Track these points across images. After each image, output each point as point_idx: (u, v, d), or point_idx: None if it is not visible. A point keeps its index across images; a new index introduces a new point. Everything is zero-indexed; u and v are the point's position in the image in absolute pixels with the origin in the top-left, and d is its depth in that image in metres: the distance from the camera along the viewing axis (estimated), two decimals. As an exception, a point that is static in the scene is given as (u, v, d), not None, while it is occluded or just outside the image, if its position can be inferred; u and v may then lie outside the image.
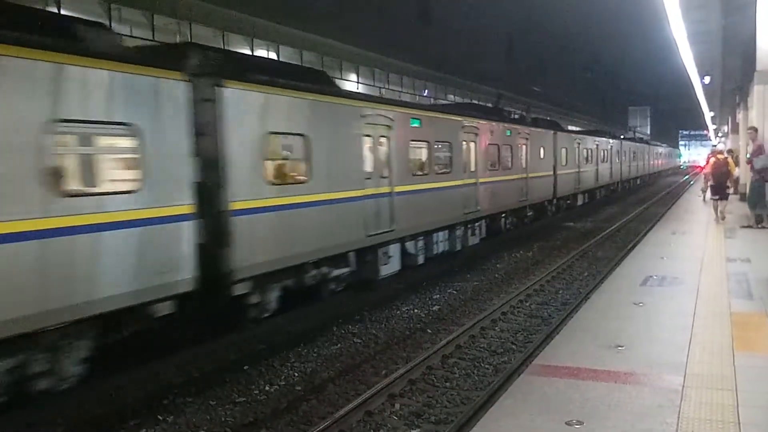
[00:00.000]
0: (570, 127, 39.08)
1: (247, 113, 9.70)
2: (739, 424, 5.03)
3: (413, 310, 12.93)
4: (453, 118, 16.99)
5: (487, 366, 9.57)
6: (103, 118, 7.67)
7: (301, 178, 10.91)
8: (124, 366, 9.34)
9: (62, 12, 16.15)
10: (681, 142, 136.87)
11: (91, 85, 7.47)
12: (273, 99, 10.31)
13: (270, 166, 10.28)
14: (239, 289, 9.54)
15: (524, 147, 21.93)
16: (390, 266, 13.81)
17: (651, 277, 10.83)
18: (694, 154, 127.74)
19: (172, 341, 9.57)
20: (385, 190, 13.24)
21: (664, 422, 5.08)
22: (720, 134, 60.18)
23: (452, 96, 39.30)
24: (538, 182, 23.35)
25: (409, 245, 14.65)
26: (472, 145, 17.60)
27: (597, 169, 33.83)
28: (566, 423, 5.08)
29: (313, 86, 11.36)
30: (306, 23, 25.06)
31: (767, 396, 5.65)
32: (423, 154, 15.21)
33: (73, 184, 7.49)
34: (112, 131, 7.93)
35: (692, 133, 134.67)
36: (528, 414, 5.33)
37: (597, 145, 34.07)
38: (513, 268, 17.30)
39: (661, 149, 72.88)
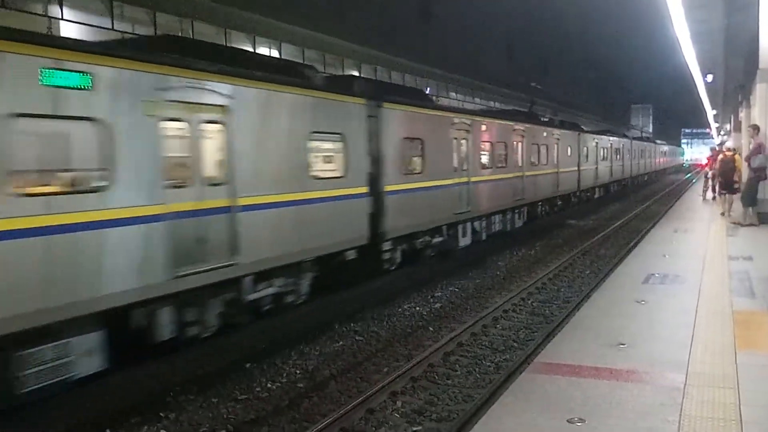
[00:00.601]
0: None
1: (392, 125, 13.56)
2: (741, 422, 5.03)
3: (415, 308, 12.94)
4: (507, 123, 20.67)
5: (488, 364, 9.58)
6: (331, 130, 11.74)
7: (418, 169, 14.79)
8: (126, 364, 9.37)
9: (65, 11, 16.16)
10: (683, 141, 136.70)
11: (324, 109, 11.48)
12: (406, 114, 14.28)
13: (403, 161, 14.09)
14: (385, 246, 13.43)
15: (556, 146, 25.51)
16: (465, 240, 17.39)
17: (653, 275, 10.83)
18: (696, 153, 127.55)
19: (173, 342, 9.59)
20: (464, 180, 16.78)
21: (666, 420, 5.08)
22: (722, 132, 60.13)
23: (453, 93, 39.26)
24: (566, 176, 27.11)
25: (477, 224, 18.15)
26: (520, 144, 21.21)
27: (611, 166, 37.58)
28: (568, 421, 5.08)
29: (426, 103, 16.23)
30: (308, 21, 25.07)
31: (769, 394, 5.66)
32: (488, 152, 18.70)
33: (317, 172, 11.35)
34: (333, 138, 11.87)
35: (694, 131, 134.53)
36: (530, 412, 5.33)
37: (611, 144, 37.77)
38: (515, 266, 17.30)
39: (666, 148, 76.72)
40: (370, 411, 7.71)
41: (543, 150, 23.77)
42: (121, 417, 7.78)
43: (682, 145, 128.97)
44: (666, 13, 17.33)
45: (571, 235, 23.24)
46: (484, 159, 18.38)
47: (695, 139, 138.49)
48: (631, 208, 32.64)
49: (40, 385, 7.01)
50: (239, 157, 9.45)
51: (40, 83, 6.84)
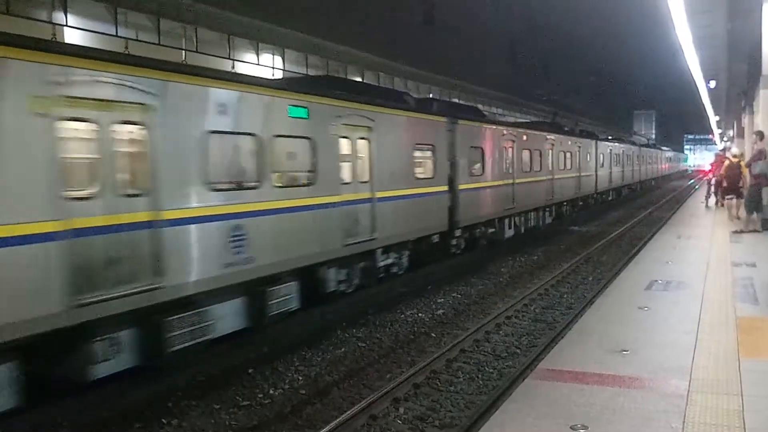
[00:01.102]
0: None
1: (463, 137, 16.96)
2: (744, 429, 5.01)
3: (418, 314, 12.93)
4: (542, 133, 24.30)
5: (491, 370, 9.56)
6: (427, 142, 15.32)
7: (480, 172, 18.05)
8: (129, 369, 9.36)
9: (69, 18, 16.20)
10: (686, 146, 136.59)
11: (421, 126, 15.18)
12: (472, 128, 17.87)
13: (470, 165, 17.45)
14: (456, 233, 16.82)
15: (578, 153, 29.07)
16: (509, 232, 20.76)
17: (656, 281, 10.81)
18: (699, 159, 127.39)
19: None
20: (510, 181, 20.15)
21: (670, 427, 5.06)
22: (725, 138, 60.08)
23: (456, 99, 39.21)
24: (585, 179, 30.63)
25: (517, 219, 21.38)
26: (550, 152, 24.60)
27: (623, 171, 41.50)
28: (571, 427, 5.07)
29: (483, 119, 19.99)
30: (311, 27, 25.11)
31: (773, 401, 5.63)
32: (527, 158, 22.02)
33: (417, 174, 14.88)
34: (426, 148, 15.33)
35: (697, 137, 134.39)
36: (532, 418, 5.31)
37: (622, 150, 41.80)
38: (517, 272, 17.28)
39: (671, 154, 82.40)
40: (373, 417, 7.70)
41: (568, 156, 27.30)
42: (123, 422, 7.78)
43: (685, 151, 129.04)
44: (669, 18, 17.32)
45: (573, 242, 23.21)
46: (525, 164, 21.81)
47: (698, 145, 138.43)
48: (634, 215, 32.59)
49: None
50: (378, 162, 13.03)
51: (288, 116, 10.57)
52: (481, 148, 18.23)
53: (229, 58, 20.96)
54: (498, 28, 42.16)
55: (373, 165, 12.85)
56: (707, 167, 53.32)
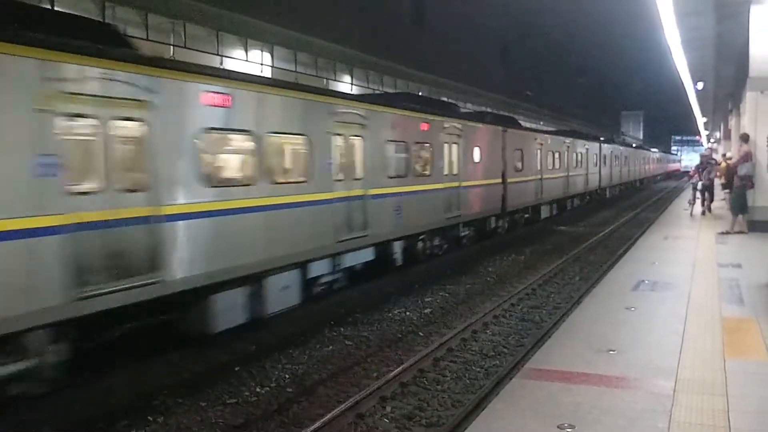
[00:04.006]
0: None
1: (511, 140, 21.57)
2: (729, 429, 5.05)
3: (405, 313, 12.92)
4: (561, 138, 30.00)
5: (478, 369, 9.56)
6: (489, 145, 19.56)
7: (521, 168, 22.76)
8: (114, 366, 9.31)
9: (57, 9, 16.07)
10: (673, 148, 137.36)
11: (489, 133, 19.84)
12: (516, 133, 22.75)
13: (514, 163, 22.03)
14: (505, 216, 21.60)
15: (586, 154, 34.02)
16: (543, 215, 26.57)
17: (643, 281, 10.86)
18: (686, 160, 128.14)
19: (161, 342, 9.54)
20: (539, 177, 24.96)
21: (656, 427, 5.09)
22: (712, 140, 60.42)
23: (445, 99, 39.25)
24: (592, 177, 35.81)
25: (544, 208, 26.67)
26: (566, 153, 29.59)
27: (628, 169, 48.73)
28: (558, 427, 5.08)
29: (519, 126, 25.06)
30: (300, 24, 25.07)
31: (758, 401, 5.67)
32: (551, 158, 26.89)
33: (486, 169, 19.46)
34: (490, 150, 19.63)
35: (684, 138, 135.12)
36: (519, 417, 5.32)
37: (621, 151, 47.15)
38: (505, 272, 17.31)
39: (666, 156, 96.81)
40: (360, 416, 7.69)
41: (579, 157, 32.22)
42: (109, 419, 7.73)
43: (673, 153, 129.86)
44: (658, 20, 17.41)
45: (561, 241, 23.27)
46: (549, 163, 26.48)
47: (685, 146, 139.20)
48: (621, 215, 32.73)
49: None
50: (463, 160, 17.72)
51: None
52: (521, 150, 22.81)
53: (217, 54, 20.87)
54: (489, 29, 42.24)
55: (460, 162, 17.58)
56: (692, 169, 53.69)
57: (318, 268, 11.70)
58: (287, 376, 9.33)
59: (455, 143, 17.29)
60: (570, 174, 30.01)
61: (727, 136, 34.29)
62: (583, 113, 76.85)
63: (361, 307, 12.97)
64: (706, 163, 22.93)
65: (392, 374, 8.79)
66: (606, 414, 5.34)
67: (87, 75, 7.44)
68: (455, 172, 17.22)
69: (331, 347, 10.68)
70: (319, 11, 26.31)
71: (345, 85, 28.95)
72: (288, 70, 24.17)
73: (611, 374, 6.29)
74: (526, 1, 41.51)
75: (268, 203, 10.10)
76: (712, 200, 22.65)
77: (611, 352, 6.96)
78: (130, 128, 8.03)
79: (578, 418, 5.25)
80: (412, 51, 34.15)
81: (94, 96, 7.52)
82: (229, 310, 9.62)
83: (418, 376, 9.10)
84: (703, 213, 22.37)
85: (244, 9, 22.24)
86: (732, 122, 29.69)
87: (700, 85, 32.11)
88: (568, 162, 29.58)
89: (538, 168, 24.82)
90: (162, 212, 8.28)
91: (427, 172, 15.82)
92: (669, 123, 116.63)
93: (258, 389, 8.84)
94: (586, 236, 24.04)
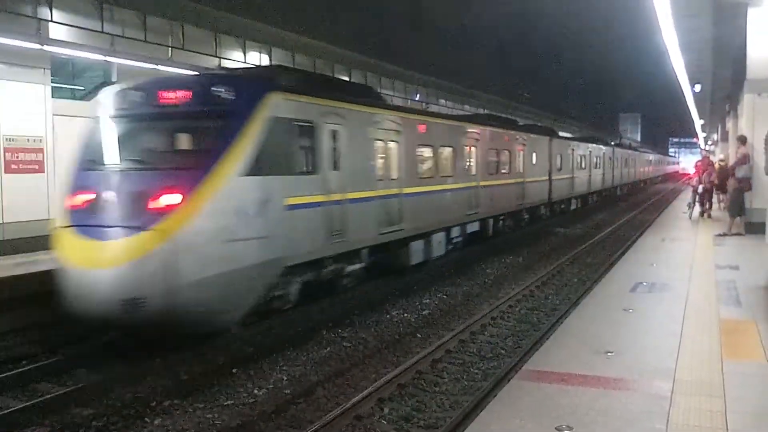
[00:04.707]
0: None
1: (555, 147, 27.71)
2: (727, 430, 5.05)
3: (403, 314, 12.91)
4: (585, 143, 36.24)
5: (476, 371, 9.56)
6: (542, 151, 26.19)
7: (560, 168, 28.58)
8: (112, 367, 9.30)
9: (54, 12, 16.07)
10: (671, 150, 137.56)
11: (540, 142, 26.09)
12: (557, 141, 28.53)
13: (555, 164, 27.65)
14: (551, 206, 27.90)
15: (602, 156, 39.77)
16: (572, 206, 32.82)
17: (640, 283, 10.87)
18: (683, 162, 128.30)
19: (158, 342, 9.54)
20: (570, 176, 30.93)
21: (653, 428, 5.09)
22: (709, 142, 60.47)
23: (443, 100, 39.31)
24: (608, 176, 41.90)
25: (574, 201, 33.00)
26: (589, 155, 35.88)
27: (634, 170, 55.38)
28: (556, 428, 5.08)
29: (560, 135, 31.51)
30: (298, 26, 25.08)
31: (755, 403, 5.67)
32: (578, 160, 32.90)
33: (538, 169, 25.71)
34: (542, 156, 26.19)
35: (682, 140, 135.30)
36: (518, 419, 5.32)
37: (629, 154, 53.23)
38: (503, 273, 17.31)
39: (668, 158, 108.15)
40: (358, 418, 7.68)
41: (598, 160, 38.41)
42: (106, 420, 7.72)
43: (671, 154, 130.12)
44: (655, 22, 17.42)
45: (558, 243, 23.29)
46: (578, 164, 32.70)
47: (683, 149, 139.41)
48: (619, 217, 32.76)
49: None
50: (526, 163, 23.39)
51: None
52: (560, 155, 28.88)
53: (216, 56, 20.86)
54: (487, 31, 42.32)
55: (525, 163, 23.32)
56: (691, 171, 54.00)
57: (454, 232, 17.60)
58: (285, 378, 9.31)
59: (521, 150, 23.08)
60: (591, 173, 36.34)
61: (725, 138, 34.34)
62: (582, 115, 76.95)
63: (359, 308, 12.96)
64: (707, 165, 22.88)
65: (390, 376, 8.78)
66: (604, 415, 5.34)
67: (383, 119, 13.83)
68: (521, 171, 23.08)
69: (329, 349, 10.67)
70: (318, 13, 26.33)
71: (343, 86, 28.93)
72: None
73: (609, 376, 6.29)
74: (524, 3, 41.54)
75: (438, 189, 16.35)
76: (710, 206, 22.43)
77: (609, 354, 6.96)
78: (393, 146, 14.20)
79: (576, 419, 5.25)
80: (411, 53, 34.17)
81: (385, 129, 13.83)
82: (416, 252, 15.35)
83: (416, 378, 9.09)
84: (702, 215, 22.18)
85: (242, 10, 22.25)
86: (729, 124, 29.75)
87: (697, 87, 32.15)
88: (590, 163, 36.04)
89: (571, 168, 31.09)
90: (403, 192, 14.44)
91: (505, 171, 21.42)
92: (667, 125, 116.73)
93: (255, 391, 8.82)
94: (584, 238, 24.06)
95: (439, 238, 16.43)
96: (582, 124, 73.32)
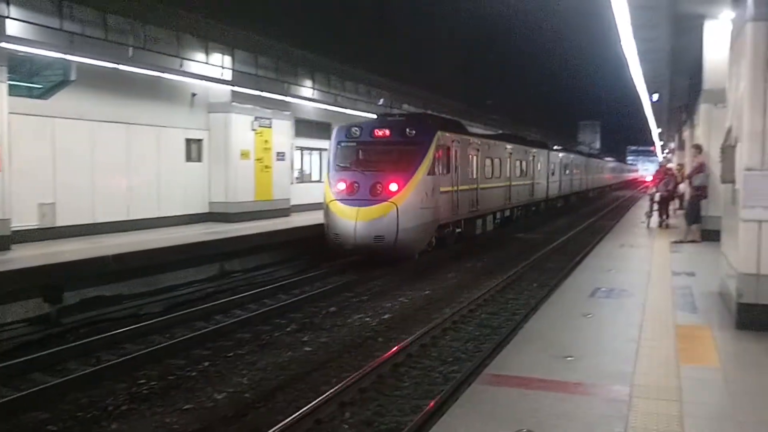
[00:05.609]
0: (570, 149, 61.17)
1: (552, 158, 38.42)
2: (684, 434, 5.13)
3: (365, 318, 12.89)
4: (578, 155, 49.97)
5: (437, 375, 9.57)
6: (542, 162, 35.83)
7: (557, 174, 39.94)
8: (66, 371, 9.12)
9: (12, 10, 15.71)
10: (629, 158, 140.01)
11: (543, 154, 36.03)
12: (553, 153, 39.49)
13: (554, 172, 38.72)
14: (552, 202, 39.55)
15: (585, 165, 51.29)
16: (569, 202, 44.67)
17: (599, 288, 11.01)
18: (641, 170, 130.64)
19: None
20: (571, 180, 43.92)
21: (612, 432, 5.14)
22: (666, 151, 61.62)
23: (406, 105, 39.44)
24: (580, 181, 49.89)
25: (572, 197, 45.23)
26: (582, 166, 47.94)
27: (602, 176, 64.60)
28: (516, 432, 5.11)
29: (556, 148, 42.87)
30: (262, 27, 24.88)
31: (711, 407, 5.79)
32: (579, 171, 47.31)
33: (540, 175, 35.69)
34: (542, 164, 36.05)
35: (640, 148, 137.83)
36: (479, 423, 5.34)
37: (600, 163, 63.88)
38: (464, 278, 17.39)
39: (629, 166, 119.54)
40: (318, 422, 7.64)
41: (594, 169, 48.59)
42: (61, 424, 7.56)
43: (628, 162, 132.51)
44: (615, 32, 17.69)
45: (519, 248, 23.48)
46: (562, 171, 41.31)
47: (640, 156, 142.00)
48: (578, 223, 33.15)
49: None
50: (536, 169, 33.52)
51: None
52: (555, 163, 38.46)
53: (177, 57, 20.60)
54: (451, 37, 42.66)
55: (535, 169, 32.29)
56: (649, 179, 55.67)
57: (498, 215, 25.97)
58: (245, 382, 9.23)
59: (531, 160, 31.71)
60: (572, 178, 45.75)
61: (681, 147, 35.00)
62: (543, 122, 77.90)
63: (321, 312, 12.90)
64: (664, 174, 23.13)
65: (351, 380, 8.75)
66: (564, 419, 5.38)
67: (474, 141, 22.70)
68: (532, 174, 31.71)
69: (290, 353, 10.60)
70: (280, 15, 26.18)
71: (306, 89, 28.80)
72: (249, 73, 23.94)
73: (569, 380, 6.35)
74: (488, 11, 42.10)
75: (493, 186, 24.76)
76: (668, 215, 22.40)
77: (569, 359, 7.04)
78: (475, 158, 22.29)
79: (537, 423, 5.29)
80: (375, 57, 34.19)
81: (474, 148, 22.41)
82: (479, 227, 23.44)
83: (378, 382, 9.08)
84: (660, 225, 21.96)
85: (205, 11, 21.99)
86: (686, 133, 30.31)
87: (655, 97, 32.74)
88: (571, 170, 45.10)
89: (567, 174, 42.00)
90: (480, 187, 22.77)
91: (524, 173, 30.11)
92: (625, 133, 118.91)
93: (215, 395, 8.72)
94: (544, 243, 24.28)
95: (490, 218, 24.96)
96: (542, 131, 74.17)
